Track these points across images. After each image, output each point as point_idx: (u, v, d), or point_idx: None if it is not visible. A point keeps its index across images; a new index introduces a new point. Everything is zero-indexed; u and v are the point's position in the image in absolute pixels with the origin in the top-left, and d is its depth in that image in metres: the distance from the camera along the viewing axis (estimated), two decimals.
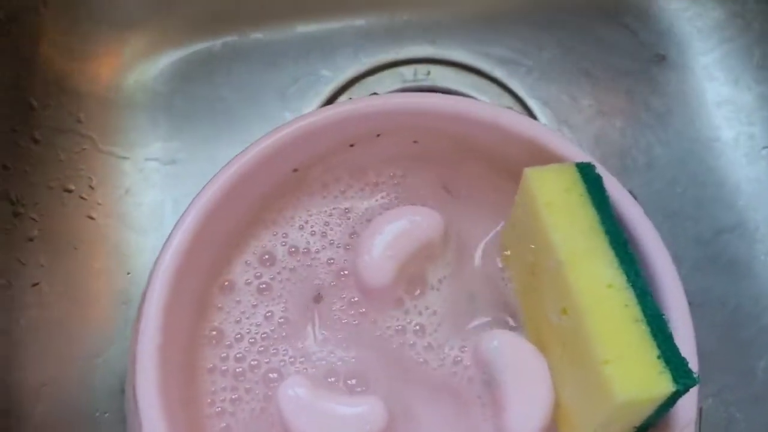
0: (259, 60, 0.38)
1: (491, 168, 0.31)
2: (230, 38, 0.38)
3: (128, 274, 0.34)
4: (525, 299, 0.29)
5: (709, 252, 0.35)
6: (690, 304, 0.27)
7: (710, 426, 0.32)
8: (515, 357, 0.27)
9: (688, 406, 0.24)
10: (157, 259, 0.28)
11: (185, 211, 0.28)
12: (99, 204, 0.34)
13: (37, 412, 0.30)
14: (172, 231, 0.28)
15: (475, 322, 0.29)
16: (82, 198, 0.34)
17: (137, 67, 0.37)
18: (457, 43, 0.39)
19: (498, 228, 0.31)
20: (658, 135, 0.37)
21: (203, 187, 0.29)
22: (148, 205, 0.35)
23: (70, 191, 0.34)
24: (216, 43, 0.38)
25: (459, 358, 0.28)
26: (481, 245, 0.31)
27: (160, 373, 0.26)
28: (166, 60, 0.37)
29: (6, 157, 0.32)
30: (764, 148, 0.36)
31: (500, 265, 0.30)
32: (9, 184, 0.31)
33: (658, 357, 0.23)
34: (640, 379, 0.22)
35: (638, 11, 0.39)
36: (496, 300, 0.30)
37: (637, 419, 0.24)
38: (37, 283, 0.31)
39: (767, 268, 0.35)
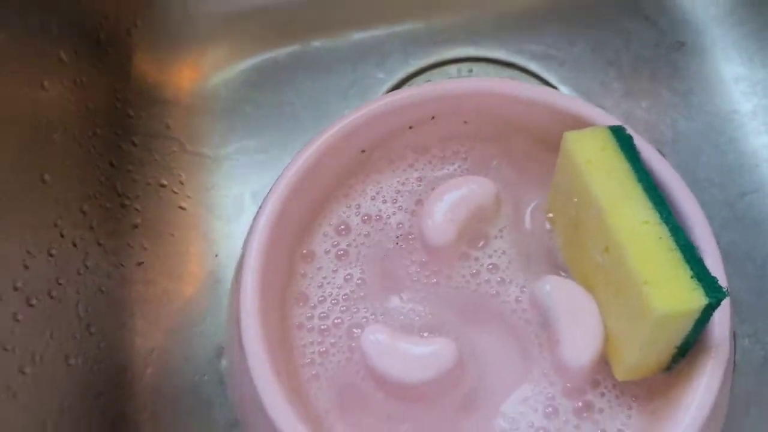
0: (320, 66, 0.42)
1: (534, 142, 0.35)
2: (293, 48, 0.43)
3: (216, 256, 0.38)
4: (569, 253, 0.33)
5: (735, 212, 0.38)
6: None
7: (748, 363, 0.35)
8: (566, 297, 0.31)
9: (721, 323, 0.28)
10: (250, 232, 0.32)
11: (271, 190, 0.33)
12: (189, 197, 0.39)
13: (148, 373, 0.34)
14: (261, 206, 0.32)
15: (532, 271, 0.33)
16: (174, 192, 0.39)
17: (214, 77, 0.42)
18: (494, 42, 0.43)
19: (543, 195, 0.35)
20: (682, 112, 0.41)
21: (284, 169, 0.33)
22: (230, 197, 0.40)
23: (164, 186, 0.38)
24: (281, 52, 0.42)
25: (520, 299, 0.32)
26: (529, 210, 0.35)
27: (261, 328, 0.30)
28: (238, 70, 0.42)
29: (112, 157, 0.37)
30: None
31: (548, 226, 0.34)
32: (116, 180, 0.36)
33: (692, 277, 0.26)
34: (677, 295, 0.26)
35: (657, 3, 0.43)
36: (546, 255, 0.34)
37: (677, 337, 0.28)
38: (142, 263, 0.36)
39: None
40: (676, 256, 0.27)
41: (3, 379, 0.25)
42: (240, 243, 0.35)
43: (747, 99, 0.40)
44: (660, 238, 0.28)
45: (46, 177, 0.29)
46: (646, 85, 0.41)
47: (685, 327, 0.27)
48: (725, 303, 0.27)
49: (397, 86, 0.42)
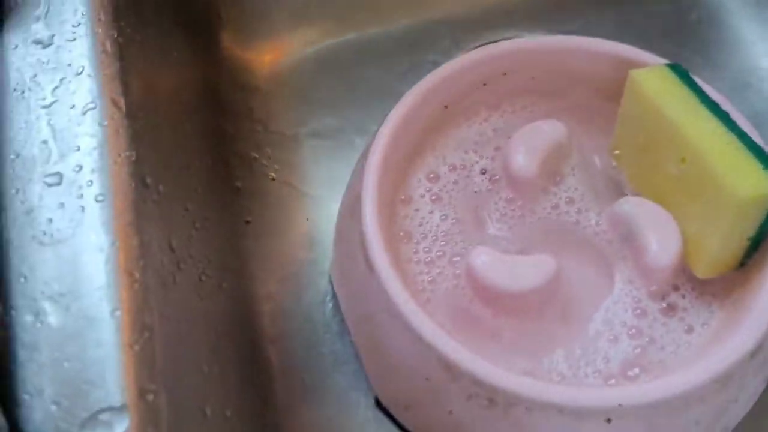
0: (378, 53, 0.47)
1: (594, 93, 0.39)
2: (352, 35, 0.47)
3: (307, 220, 0.42)
4: (638, 179, 0.36)
5: None
6: None
7: None
8: (645, 211, 0.35)
9: None
10: (363, 180, 0.35)
11: (372, 142, 0.36)
12: (277, 168, 0.42)
13: (268, 313, 0.37)
14: (366, 158, 0.36)
15: (604, 201, 0.37)
16: (264, 164, 0.42)
17: (287, 65, 0.46)
18: (531, 23, 0.48)
19: (605, 140, 0.39)
20: (711, 72, 0.46)
21: (381, 125, 0.37)
22: (312, 167, 0.43)
23: (255, 159, 0.42)
24: (342, 40, 0.47)
25: (599, 223, 0.36)
26: (594, 153, 0.39)
27: (386, 254, 0.33)
28: (308, 57, 0.46)
29: (212, 134, 0.40)
30: None
31: (613, 163, 0.38)
32: (219, 152, 0.40)
33: (763, 169, 0.31)
34: (753, 182, 0.30)
35: None
36: (615, 188, 0.38)
37: (751, 226, 0.32)
38: (249, 221, 0.39)
39: None
40: (747, 153, 0.31)
41: (191, 281, 0.28)
42: (324, 209, 0.39)
43: (766, 56, 0.46)
44: (729, 142, 0.32)
45: (186, 127, 0.33)
46: (674, 53, 0.46)
47: (760, 215, 0.31)
48: None
49: None
